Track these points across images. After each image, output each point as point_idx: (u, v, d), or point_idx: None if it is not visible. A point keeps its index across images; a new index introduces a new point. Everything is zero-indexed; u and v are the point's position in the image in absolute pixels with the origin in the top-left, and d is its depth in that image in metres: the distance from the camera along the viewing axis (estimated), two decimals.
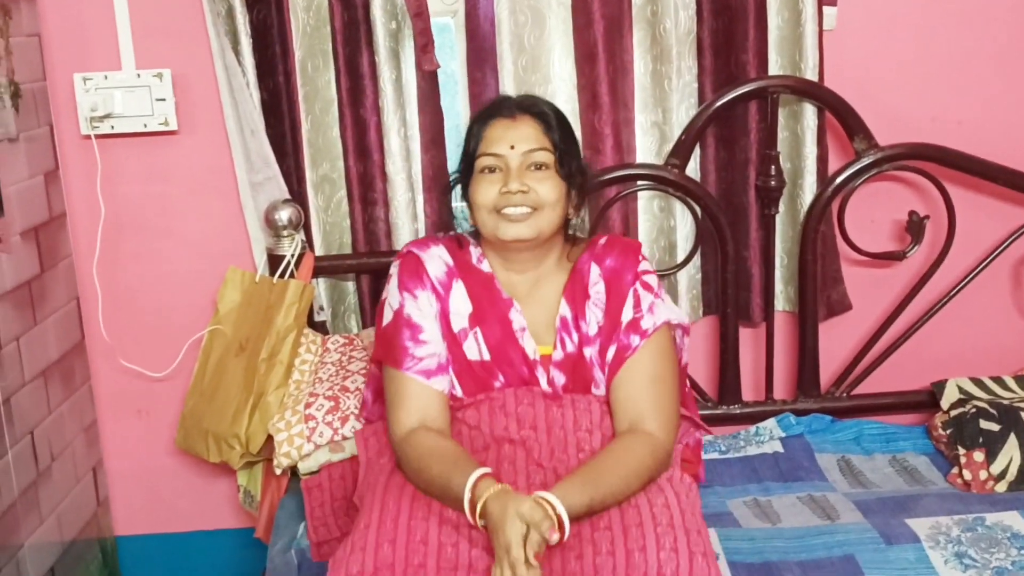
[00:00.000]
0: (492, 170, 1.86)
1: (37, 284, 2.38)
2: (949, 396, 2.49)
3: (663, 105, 2.50)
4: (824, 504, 2.24)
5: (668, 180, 2.49)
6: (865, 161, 2.48)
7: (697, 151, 2.53)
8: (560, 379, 1.91)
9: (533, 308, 1.93)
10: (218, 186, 2.53)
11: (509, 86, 2.45)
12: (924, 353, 2.64)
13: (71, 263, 2.55)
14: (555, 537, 1.63)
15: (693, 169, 2.53)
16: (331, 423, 2.22)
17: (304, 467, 2.24)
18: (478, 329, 1.91)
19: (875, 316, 2.65)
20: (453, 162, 2.39)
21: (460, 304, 1.93)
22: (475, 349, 1.91)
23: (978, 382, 2.51)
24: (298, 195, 2.48)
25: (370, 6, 2.38)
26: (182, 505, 2.73)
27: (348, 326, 2.61)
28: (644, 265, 1.95)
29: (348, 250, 2.55)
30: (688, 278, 2.59)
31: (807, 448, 2.49)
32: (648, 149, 2.54)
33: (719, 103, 2.45)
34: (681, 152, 2.48)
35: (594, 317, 1.91)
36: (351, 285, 2.59)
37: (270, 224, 2.43)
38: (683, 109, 2.51)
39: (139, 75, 2.44)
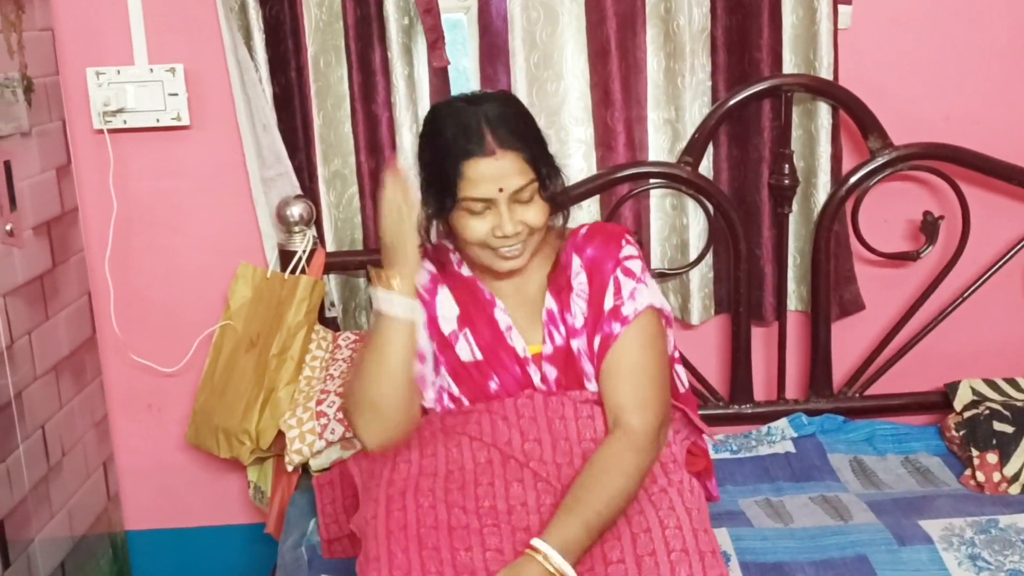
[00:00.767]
0: (478, 209, 1.76)
1: (49, 279, 2.37)
2: (962, 397, 2.47)
3: (676, 103, 2.48)
4: (836, 504, 2.23)
5: (681, 178, 2.47)
6: (879, 160, 2.46)
7: (710, 149, 2.51)
8: (552, 373, 1.87)
9: (518, 306, 1.89)
10: (230, 181, 2.52)
11: (521, 82, 2.44)
12: (937, 354, 2.62)
13: (83, 258, 2.55)
14: None
15: (706, 167, 2.51)
16: (343, 420, 2.22)
17: (315, 464, 2.24)
18: (467, 330, 1.88)
19: (888, 316, 2.63)
20: None
21: (447, 308, 1.89)
22: (467, 350, 1.88)
23: (991, 383, 2.49)
24: (310, 191, 2.48)
25: (383, 2, 2.38)
26: (192, 500, 2.73)
27: (359, 323, 2.60)
28: (627, 250, 1.87)
29: (359, 246, 2.54)
30: (700, 277, 2.58)
31: (819, 448, 2.48)
32: (661, 147, 2.52)
33: (733, 101, 2.43)
34: (694, 150, 2.46)
35: (579, 309, 1.86)
36: (362, 281, 2.59)
37: (281, 220, 2.43)
38: (696, 107, 2.49)
39: (152, 70, 2.44)
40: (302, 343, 2.36)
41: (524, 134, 1.77)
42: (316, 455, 2.23)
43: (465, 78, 2.55)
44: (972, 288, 2.58)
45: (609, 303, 1.85)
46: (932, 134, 2.49)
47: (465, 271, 1.91)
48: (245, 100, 2.43)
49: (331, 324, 2.54)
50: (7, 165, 2.19)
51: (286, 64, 2.41)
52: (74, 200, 2.51)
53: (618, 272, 1.86)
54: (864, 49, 2.50)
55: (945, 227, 2.52)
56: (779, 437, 2.53)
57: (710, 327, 2.65)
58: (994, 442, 2.30)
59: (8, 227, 2.18)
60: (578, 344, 1.87)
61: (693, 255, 2.55)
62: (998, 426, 2.32)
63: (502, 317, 1.88)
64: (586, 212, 2.54)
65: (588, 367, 1.88)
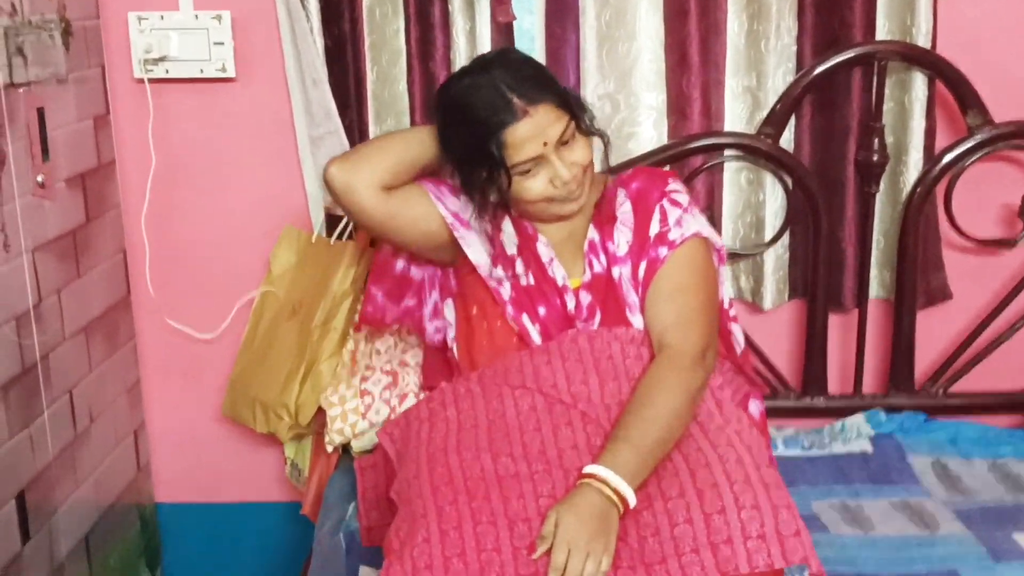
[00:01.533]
0: (529, 169, 1.77)
1: (82, 234, 2.24)
2: None
3: (758, 68, 2.31)
4: (921, 511, 2.07)
5: (759, 150, 2.30)
6: (978, 138, 2.28)
7: (792, 120, 2.33)
8: (587, 299, 1.84)
9: (562, 241, 1.87)
10: (276, 139, 2.39)
11: (590, 42, 2.28)
12: None
13: (119, 213, 2.42)
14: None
15: (787, 140, 2.34)
16: (388, 400, 2.10)
17: (357, 446, 2.12)
18: (523, 257, 1.87)
19: (977, 307, 2.45)
20: None
21: (510, 233, 1.88)
22: (524, 273, 1.87)
23: None
24: None
25: None
26: (227, 474, 2.61)
27: None
28: (674, 185, 1.88)
29: None
30: (775, 258, 2.40)
31: (899, 448, 2.31)
32: (738, 116, 2.35)
33: (820, 69, 2.25)
34: (775, 121, 2.29)
35: (623, 237, 1.84)
36: None
37: None
38: (779, 74, 2.31)
39: (197, 16, 2.30)
40: (347, 313, 2.21)
41: (543, 83, 1.78)
42: (358, 436, 2.10)
43: (529, 37, 2.37)
44: None
45: (655, 229, 1.83)
46: None
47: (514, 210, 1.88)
48: (295, 52, 2.29)
49: None
50: (40, 112, 2.05)
51: (339, 15, 2.27)
52: (111, 152, 2.38)
53: (664, 202, 1.84)
54: (966, 16, 2.30)
55: None
56: (855, 435, 2.37)
57: (783, 312, 2.48)
58: None
59: (39, 178, 2.05)
60: (620, 271, 1.83)
61: (769, 235, 2.38)
62: None
63: (544, 250, 1.86)
64: None
65: (632, 296, 1.82)
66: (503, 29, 2.29)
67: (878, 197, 2.34)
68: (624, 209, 1.86)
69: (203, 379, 2.53)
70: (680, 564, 1.50)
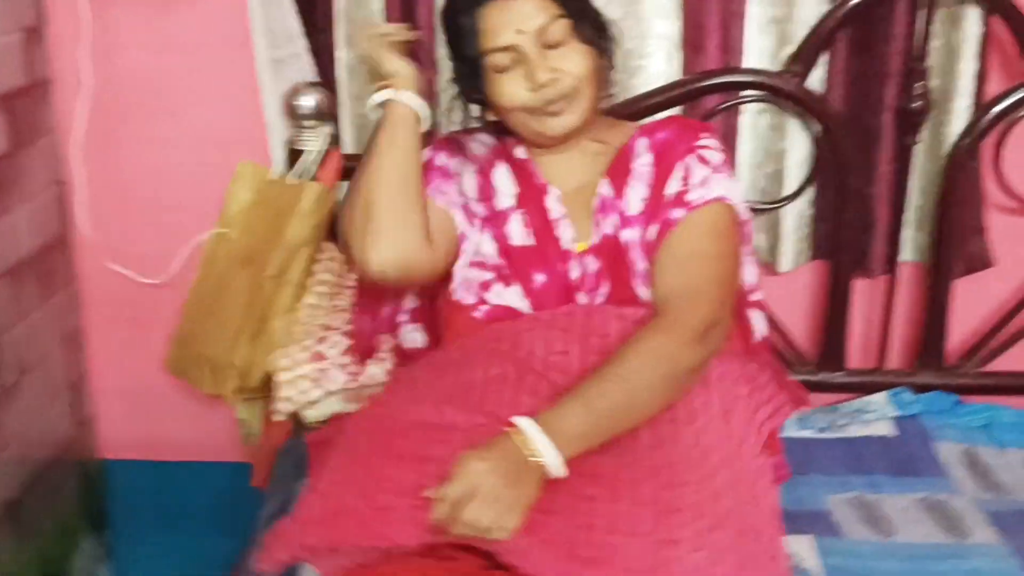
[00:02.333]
0: (506, 67, 1.58)
1: (8, 164, 1.99)
2: None
3: None
4: (949, 512, 1.82)
5: (785, 91, 2.02)
6: None
7: (824, 58, 2.05)
8: (593, 266, 1.63)
9: (574, 195, 1.67)
10: (232, 61, 2.12)
11: None
12: None
13: (52, 141, 2.15)
14: None
15: (817, 80, 2.06)
16: (346, 366, 1.85)
17: (310, 415, 1.88)
18: (523, 211, 1.67)
19: (1021, 276, 2.20)
20: None
21: (505, 183, 1.69)
22: (520, 232, 1.66)
23: None
24: (328, 79, 2.09)
25: None
26: (178, 430, 2.40)
27: None
28: (706, 140, 1.66)
29: None
30: (797, 215, 2.13)
31: (924, 433, 2.06)
32: (761, 51, 2.07)
33: None
34: (804, 57, 2.01)
35: (637, 195, 1.63)
36: None
37: (291, 111, 2.04)
38: (811, 3, 2.02)
39: None
40: (304, 265, 1.97)
41: None
42: (310, 405, 1.85)
43: None
44: None
45: (674, 187, 1.62)
46: None
47: (520, 152, 1.70)
48: None
49: None
50: None
51: None
52: (44, 70, 2.11)
53: (690, 157, 1.63)
54: None
55: None
56: (876, 415, 2.12)
57: (801, 275, 2.22)
58: None
59: None
60: (629, 236, 1.62)
61: (791, 188, 2.11)
62: None
63: (555, 206, 1.66)
64: None
65: (640, 263, 1.62)
66: None
67: (917, 149, 2.06)
68: (643, 162, 1.64)
69: (152, 328, 2.30)
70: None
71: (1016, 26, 1.96)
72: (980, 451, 2.02)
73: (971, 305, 2.20)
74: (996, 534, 1.74)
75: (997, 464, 1.99)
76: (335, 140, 2.09)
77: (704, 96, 2.03)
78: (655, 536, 1.33)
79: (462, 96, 1.67)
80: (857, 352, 2.22)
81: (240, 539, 2.34)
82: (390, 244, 1.57)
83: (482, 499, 1.29)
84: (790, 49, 2.02)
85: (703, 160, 1.63)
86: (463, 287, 1.67)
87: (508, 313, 1.63)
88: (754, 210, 2.10)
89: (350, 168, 2.07)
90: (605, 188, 1.65)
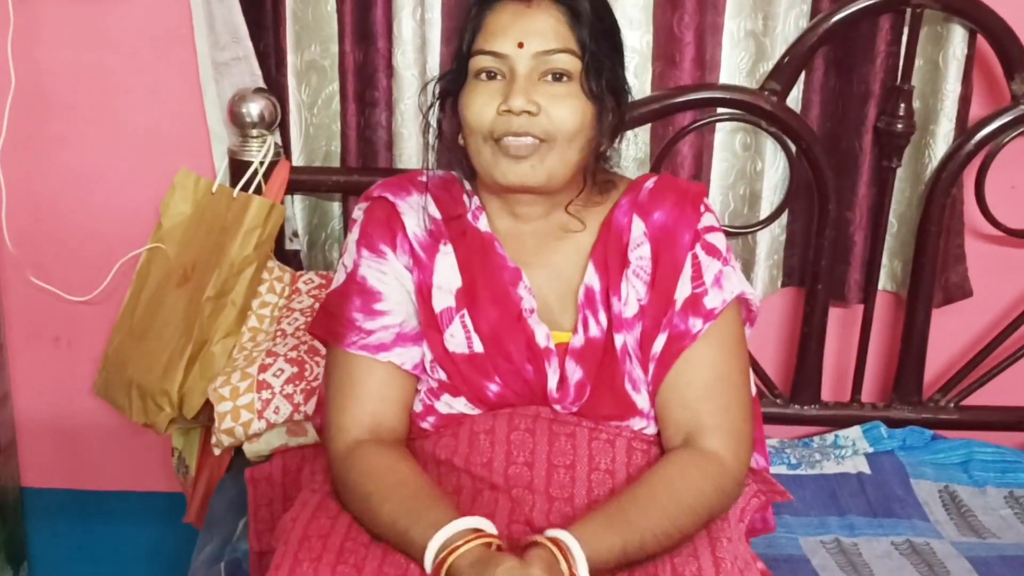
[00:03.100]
0: (492, 75, 1.36)
1: None
2: None
3: (766, 10, 1.93)
4: (929, 558, 1.75)
5: (761, 110, 1.92)
6: (1023, 109, 1.91)
7: (802, 76, 1.96)
8: (576, 375, 1.39)
9: (549, 281, 1.43)
10: (172, 62, 2.01)
11: None
12: None
13: None
14: None
15: (795, 99, 1.98)
16: (291, 396, 1.72)
17: (251, 450, 1.76)
18: (466, 312, 1.41)
19: (1000, 307, 2.13)
20: None
21: (447, 276, 1.42)
22: (461, 339, 1.40)
23: None
24: (275, 84, 1.97)
25: None
26: (106, 458, 2.27)
27: (330, 260, 2.09)
28: (707, 220, 1.43)
29: (336, 162, 2.04)
30: (771, 239, 2.05)
31: (900, 471, 1.99)
32: (737, 67, 1.98)
33: (841, 15, 1.88)
34: (783, 75, 1.92)
35: (634, 292, 1.40)
36: (336, 207, 2.08)
37: (236, 119, 1.93)
38: (791, 18, 1.94)
39: None
40: (248, 286, 1.84)
41: (580, 2, 1.35)
42: (252, 438, 1.72)
43: None
44: None
45: (685, 290, 1.39)
46: None
47: (483, 225, 1.43)
48: None
49: (291, 260, 2.04)
50: None
51: None
52: None
53: (698, 248, 1.40)
54: None
55: None
56: (850, 451, 2.05)
57: (774, 303, 2.13)
58: None
59: None
60: (624, 340, 1.39)
61: (765, 211, 2.02)
62: None
63: (525, 296, 1.41)
64: (632, 144, 1.96)
65: (637, 371, 1.40)
66: None
67: (897, 174, 1.98)
68: (641, 253, 1.40)
69: (79, 348, 2.18)
70: None
71: (1002, 46, 1.89)
72: (958, 490, 1.97)
73: (948, 337, 2.13)
74: None
75: (976, 504, 1.93)
76: (283, 150, 1.97)
77: (676, 113, 1.94)
78: None
79: (438, 103, 1.43)
80: (830, 383, 2.13)
81: (172, 572, 2.23)
82: None
83: None
84: (768, 66, 1.94)
85: (712, 251, 1.41)
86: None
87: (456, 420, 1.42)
88: (726, 233, 2.01)
89: (298, 181, 1.96)
90: (592, 278, 1.41)
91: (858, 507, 1.89)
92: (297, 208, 2.04)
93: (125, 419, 2.12)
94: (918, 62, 1.93)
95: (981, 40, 1.90)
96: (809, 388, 2.07)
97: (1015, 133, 1.93)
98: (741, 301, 1.42)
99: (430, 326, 1.40)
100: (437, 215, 1.43)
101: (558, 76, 1.33)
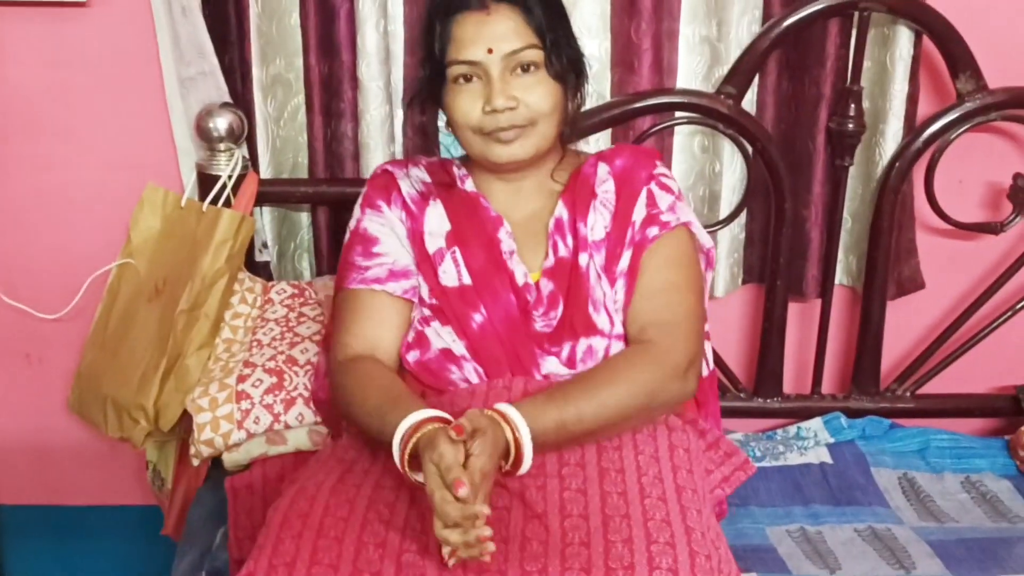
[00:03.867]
0: (468, 78, 1.54)
1: None
2: None
3: (719, 16, 1.99)
4: (891, 543, 1.79)
5: (717, 113, 1.98)
6: (968, 107, 1.99)
7: (756, 79, 2.01)
8: (548, 287, 1.57)
9: (526, 227, 1.62)
10: (138, 79, 2.02)
11: None
12: (1011, 348, 2.19)
13: None
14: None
15: (750, 102, 2.03)
16: (271, 406, 1.74)
17: (230, 460, 1.78)
18: (456, 249, 1.59)
19: (952, 299, 2.19)
20: None
21: (436, 223, 1.62)
22: (452, 273, 1.59)
23: None
24: (242, 99, 1.99)
25: None
26: (80, 473, 2.29)
27: (299, 270, 2.12)
28: (662, 169, 1.65)
29: (303, 173, 2.08)
30: (731, 238, 2.10)
31: (861, 459, 2.04)
32: (694, 72, 2.03)
33: (791, 19, 1.93)
34: (738, 79, 1.97)
35: (600, 220, 1.59)
36: (305, 217, 2.10)
37: (203, 134, 1.94)
38: (744, 23, 1.99)
39: None
40: (220, 297, 1.85)
41: (530, 1, 1.53)
42: (232, 448, 1.74)
43: None
44: None
45: (641, 212, 1.58)
46: None
47: (469, 186, 1.64)
48: None
49: (262, 271, 2.05)
50: None
51: None
52: None
53: (652, 185, 1.61)
54: None
55: None
56: (812, 442, 2.09)
57: (735, 300, 2.19)
58: None
59: None
60: (588, 260, 1.57)
61: (725, 211, 2.07)
62: None
63: (506, 239, 1.59)
64: (593, 149, 2.01)
65: (597, 292, 1.56)
66: None
67: (850, 172, 2.04)
68: (607, 188, 1.60)
69: (51, 365, 2.19)
70: None
71: (947, 46, 1.95)
72: (917, 477, 2.02)
73: (902, 329, 2.19)
74: (941, 566, 1.71)
75: (934, 490, 1.99)
76: (251, 164, 1.99)
77: (635, 118, 1.99)
78: (602, 488, 1.37)
79: (420, 98, 1.61)
80: (791, 376, 2.18)
81: None
82: None
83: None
84: (723, 70, 1.99)
85: (665, 187, 1.60)
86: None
87: (438, 362, 1.55)
88: None
89: (267, 193, 1.98)
90: (562, 211, 1.59)
91: (821, 496, 1.94)
92: (266, 220, 2.06)
93: (98, 434, 2.14)
94: (866, 64, 1.99)
95: (927, 41, 1.96)
96: (771, 382, 2.13)
97: (961, 130, 1.99)
98: (691, 234, 1.59)
99: (424, 264, 1.58)
100: (427, 178, 1.64)
101: (526, 67, 1.51)
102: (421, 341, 1.56)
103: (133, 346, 1.88)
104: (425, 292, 1.58)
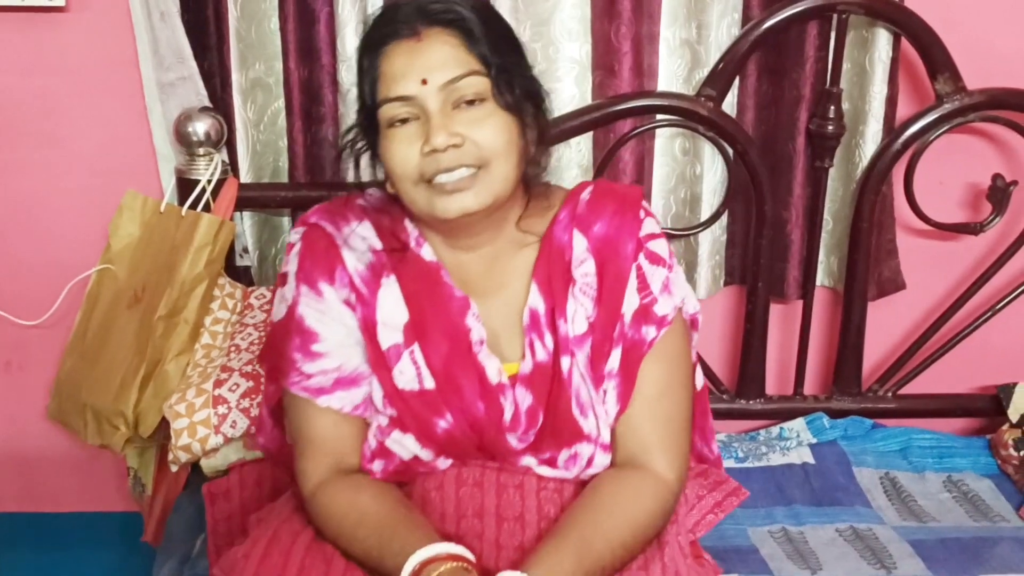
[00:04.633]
0: (404, 121, 1.30)
1: None
2: (1018, 404, 2.07)
3: (699, 18, 1.98)
4: (872, 543, 1.80)
5: (698, 115, 1.97)
6: (947, 108, 1.98)
7: (736, 82, 2.01)
8: (526, 400, 1.37)
9: (498, 308, 1.40)
10: (117, 84, 2.01)
11: None
12: (991, 349, 2.19)
13: None
14: None
15: (730, 104, 2.03)
16: (248, 410, 1.74)
17: (208, 465, 1.77)
18: (416, 347, 1.37)
19: (933, 300, 2.19)
20: None
21: (391, 309, 1.38)
22: (412, 375, 1.37)
23: None
24: (221, 103, 1.98)
25: None
26: (60, 480, 2.27)
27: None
28: (648, 225, 1.40)
29: (284, 177, 2.06)
30: (712, 240, 2.10)
31: (843, 459, 2.04)
32: (674, 74, 2.02)
33: (771, 22, 1.93)
34: (718, 81, 1.97)
35: (581, 310, 1.38)
36: (286, 222, 2.09)
37: (182, 138, 1.93)
38: (724, 26, 1.99)
39: None
40: (200, 303, 1.85)
41: (470, 21, 1.30)
42: (209, 454, 1.73)
43: None
44: None
45: (633, 302, 1.37)
46: (1014, 79, 2.01)
47: (427, 253, 1.40)
48: None
49: (242, 276, 2.05)
50: None
51: None
52: None
53: (641, 258, 1.38)
54: None
55: (1018, 195, 2.05)
56: (794, 443, 2.10)
57: (717, 302, 2.19)
58: None
59: None
60: (571, 363, 1.37)
61: (706, 213, 2.07)
62: None
63: (475, 327, 1.38)
64: (575, 151, 2.04)
65: (584, 394, 1.37)
66: None
67: (830, 173, 2.04)
68: (586, 271, 1.37)
69: (31, 372, 2.17)
70: None
71: (925, 48, 1.95)
72: (899, 476, 2.02)
73: (883, 329, 2.19)
74: (922, 565, 1.72)
75: (916, 489, 1.99)
76: (230, 168, 1.98)
77: (616, 120, 1.98)
78: None
79: (355, 152, 1.38)
80: (773, 377, 2.18)
81: None
82: None
83: None
84: (703, 72, 1.98)
85: (655, 259, 1.38)
86: None
87: (407, 467, 1.38)
88: (669, 236, 2.06)
89: (247, 198, 1.98)
90: (536, 299, 1.37)
91: (803, 497, 1.94)
92: (247, 224, 2.05)
93: (78, 441, 2.13)
94: (846, 66, 1.99)
95: (905, 43, 1.96)
96: (754, 383, 2.13)
97: (941, 131, 1.99)
98: (681, 309, 1.43)
99: (378, 364, 1.36)
100: (377, 244, 1.38)
101: (471, 101, 1.29)
102: (384, 452, 1.37)
103: (113, 353, 1.88)
104: (379, 398, 1.37)
